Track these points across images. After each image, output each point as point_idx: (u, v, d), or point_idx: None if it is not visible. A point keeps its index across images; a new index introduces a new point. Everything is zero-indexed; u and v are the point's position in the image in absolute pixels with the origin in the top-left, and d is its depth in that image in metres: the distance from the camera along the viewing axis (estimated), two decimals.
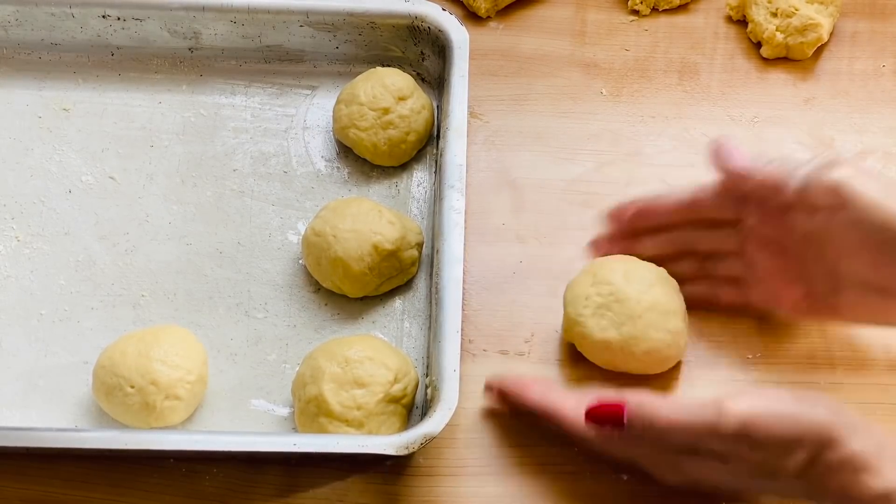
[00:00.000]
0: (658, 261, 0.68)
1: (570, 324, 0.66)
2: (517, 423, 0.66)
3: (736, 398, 0.55)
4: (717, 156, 0.65)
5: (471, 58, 0.74)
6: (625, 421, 0.57)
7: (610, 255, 0.69)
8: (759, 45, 0.82)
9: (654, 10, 0.83)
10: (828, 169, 0.59)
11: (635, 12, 0.83)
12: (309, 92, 0.79)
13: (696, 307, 0.68)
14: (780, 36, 0.80)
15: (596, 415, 0.59)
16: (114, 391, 0.63)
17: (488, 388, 0.65)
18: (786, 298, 0.66)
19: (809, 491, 0.55)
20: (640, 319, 0.64)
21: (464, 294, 0.67)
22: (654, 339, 0.64)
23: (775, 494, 0.58)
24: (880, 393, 0.68)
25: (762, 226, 0.65)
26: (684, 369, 0.68)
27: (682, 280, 0.68)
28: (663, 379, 0.67)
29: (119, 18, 0.77)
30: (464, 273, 0.67)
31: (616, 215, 0.70)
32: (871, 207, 0.58)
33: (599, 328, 0.65)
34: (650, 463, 0.60)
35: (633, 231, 0.70)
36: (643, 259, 0.68)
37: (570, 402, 0.61)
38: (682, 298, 0.66)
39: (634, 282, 0.65)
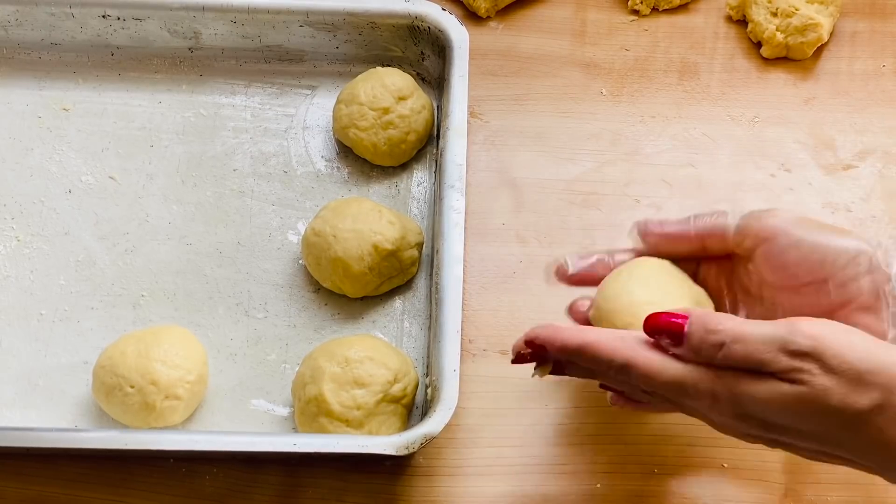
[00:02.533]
0: None
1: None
2: (517, 423, 0.67)
3: (812, 320, 0.50)
4: (646, 232, 0.62)
5: (471, 58, 0.74)
6: (685, 330, 0.51)
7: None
8: (759, 44, 0.82)
9: (654, 9, 0.83)
10: (758, 217, 0.59)
11: (635, 12, 0.83)
12: (309, 92, 0.79)
13: None
14: (780, 36, 0.80)
15: (655, 324, 0.52)
16: (114, 391, 0.64)
17: (519, 355, 0.58)
18: None
19: (876, 447, 0.50)
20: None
21: (464, 294, 0.67)
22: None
23: (840, 449, 0.51)
24: None
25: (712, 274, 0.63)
26: None
27: None
28: None
29: (119, 18, 0.77)
30: (464, 273, 0.67)
31: (572, 277, 0.65)
32: (805, 232, 0.57)
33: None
34: (704, 394, 0.51)
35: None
36: None
37: (610, 335, 0.55)
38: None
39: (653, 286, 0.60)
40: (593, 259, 0.63)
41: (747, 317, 0.60)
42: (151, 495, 0.64)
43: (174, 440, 0.62)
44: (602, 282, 0.61)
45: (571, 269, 0.63)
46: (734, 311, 0.61)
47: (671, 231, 0.61)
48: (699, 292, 0.61)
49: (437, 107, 0.77)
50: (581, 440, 0.66)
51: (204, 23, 0.77)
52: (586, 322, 0.61)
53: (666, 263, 0.61)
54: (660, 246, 0.61)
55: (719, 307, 0.61)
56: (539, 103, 0.79)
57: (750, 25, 0.82)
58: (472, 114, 0.77)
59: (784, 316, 0.53)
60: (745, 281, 0.60)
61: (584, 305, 0.63)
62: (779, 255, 0.57)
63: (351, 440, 0.61)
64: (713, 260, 0.62)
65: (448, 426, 0.61)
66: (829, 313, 0.55)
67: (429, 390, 0.64)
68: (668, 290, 0.59)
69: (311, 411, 0.63)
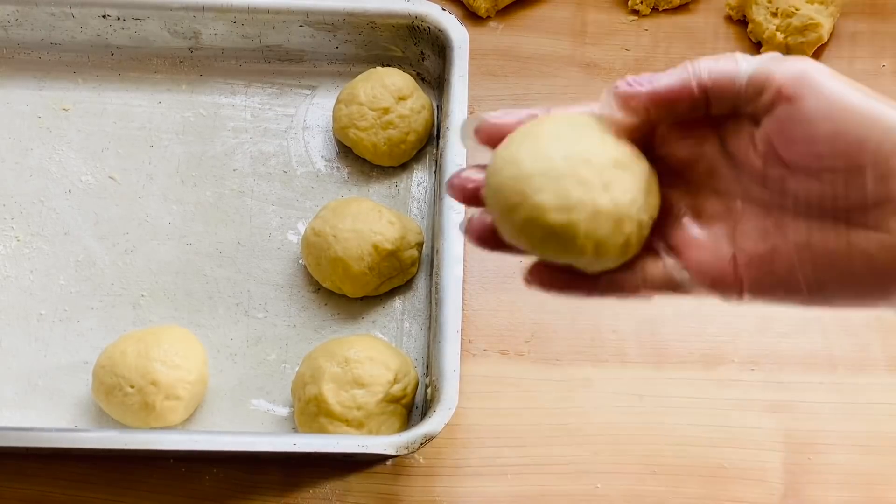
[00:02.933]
0: None
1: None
2: (517, 423, 0.67)
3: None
4: (629, 96, 0.44)
5: (471, 58, 0.74)
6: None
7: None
8: (759, 45, 0.81)
9: (655, 9, 0.83)
10: (780, 61, 0.42)
11: (635, 12, 0.83)
12: (309, 92, 0.79)
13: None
14: (780, 36, 0.80)
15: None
16: (113, 391, 0.63)
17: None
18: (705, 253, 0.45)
19: None
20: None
21: (464, 294, 0.66)
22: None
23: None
24: (880, 393, 0.68)
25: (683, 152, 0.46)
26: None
27: None
28: None
29: (119, 18, 0.76)
30: (464, 273, 0.67)
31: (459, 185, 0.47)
32: (844, 95, 0.41)
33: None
34: None
35: None
36: None
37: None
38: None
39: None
40: (523, 115, 0.46)
41: (739, 204, 0.45)
42: (151, 495, 0.64)
43: (174, 440, 0.62)
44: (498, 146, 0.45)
45: (492, 121, 0.46)
46: (710, 192, 0.45)
47: (666, 87, 0.43)
48: (624, 153, 0.44)
49: (437, 106, 0.77)
50: (581, 440, 0.66)
51: (204, 23, 0.77)
52: (473, 199, 0.46)
53: (583, 116, 0.45)
54: (651, 113, 0.44)
55: (677, 184, 0.45)
56: (539, 103, 0.79)
57: (750, 25, 0.82)
58: (472, 113, 0.77)
59: (795, 205, 0.43)
60: (742, 152, 0.44)
61: (471, 179, 0.46)
62: (805, 122, 0.41)
63: (351, 440, 0.61)
64: (680, 124, 0.45)
65: (448, 426, 0.61)
66: (859, 211, 0.41)
67: (429, 390, 0.64)
68: (577, 150, 0.43)
69: (311, 411, 0.63)
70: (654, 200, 0.45)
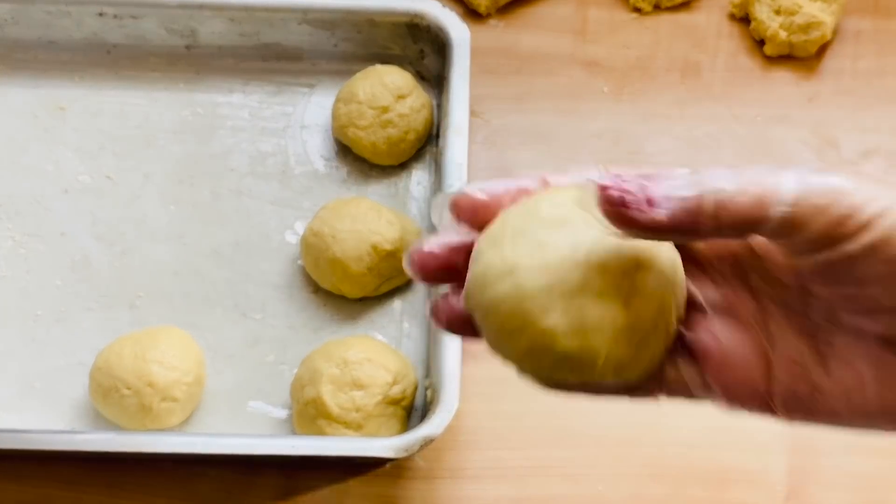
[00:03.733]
0: None
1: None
2: (518, 425, 0.66)
3: None
4: (623, 218, 0.33)
5: (471, 56, 0.74)
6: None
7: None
8: (762, 43, 0.81)
9: (657, 7, 0.83)
10: (820, 188, 0.32)
11: (637, 10, 0.83)
12: (307, 90, 0.78)
13: None
14: (783, 34, 0.79)
15: None
16: (110, 393, 0.63)
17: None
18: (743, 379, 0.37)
19: None
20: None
21: None
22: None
23: None
24: None
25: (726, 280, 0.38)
26: None
27: None
28: None
29: (115, 16, 0.76)
30: None
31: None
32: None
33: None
34: None
35: None
36: None
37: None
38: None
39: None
40: (512, 188, 0.37)
41: (775, 309, 0.36)
42: (149, 498, 0.64)
43: (171, 442, 0.61)
44: (480, 237, 0.36)
45: (474, 196, 0.37)
46: (740, 284, 0.37)
47: (674, 216, 0.32)
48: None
49: (437, 105, 0.76)
50: (583, 442, 0.66)
51: (201, 21, 0.76)
52: (441, 278, 0.37)
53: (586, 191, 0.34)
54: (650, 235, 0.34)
55: (698, 269, 0.38)
56: (540, 102, 0.79)
57: (753, 23, 0.81)
58: (472, 112, 0.76)
59: (846, 333, 0.35)
60: (773, 264, 0.36)
61: (434, 254, 0.37)
62: (851, 263, 0.33)
63: (350, 442, 0.61)
64: None
65: (448, 428, 0.60)
66: None
67: (428, 392, 0.64)
68: (589, 249, 0.35)
69: (309, 413, 0.63)
70: (682, 297, 0.36)
